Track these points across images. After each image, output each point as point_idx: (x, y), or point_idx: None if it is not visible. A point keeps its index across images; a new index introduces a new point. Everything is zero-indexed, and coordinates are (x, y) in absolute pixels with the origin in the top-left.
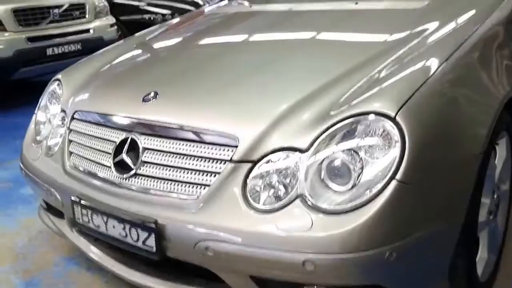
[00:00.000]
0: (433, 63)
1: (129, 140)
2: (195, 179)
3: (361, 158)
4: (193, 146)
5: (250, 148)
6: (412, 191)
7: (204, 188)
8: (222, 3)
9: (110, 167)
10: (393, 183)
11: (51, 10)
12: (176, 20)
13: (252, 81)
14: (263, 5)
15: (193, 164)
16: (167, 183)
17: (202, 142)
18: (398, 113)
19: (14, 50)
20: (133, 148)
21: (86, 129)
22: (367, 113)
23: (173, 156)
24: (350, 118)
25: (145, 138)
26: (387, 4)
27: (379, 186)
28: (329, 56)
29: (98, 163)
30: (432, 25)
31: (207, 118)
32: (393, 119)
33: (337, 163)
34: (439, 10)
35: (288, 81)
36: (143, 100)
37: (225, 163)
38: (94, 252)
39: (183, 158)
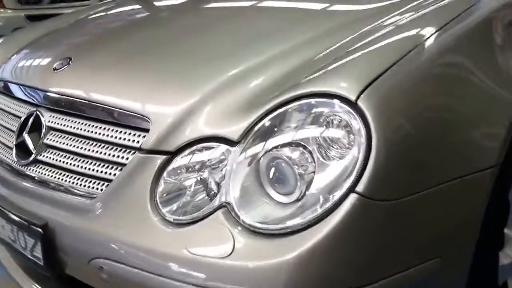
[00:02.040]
0: (419, 34)
1: (33, 116)
2: (98, 171)
3: (313, 158)
4: (101, 127)
5: (165, 135)
6: (381, 212)
7: (107, 184)
8: None
9: (12, 148)
10: (352, 197)
11: None
12: None
13: (180, 49)
14: None
15: (98, 152)
16: (68, 175)
17: (111, 122)
18: (361, 95)
19: (12, 29)
20: (39, 127)
21: None
22: (318, 94)
23: (77, 140)
24: (296, 100)
25: (50, 115)
26: None
27: (334, 199)
28: (282, 24)
29: (1, 143)
30: None
31: (118, 91)
32: (353, 104)
33: (279, 162)
34: None
35: (222, 51)
36: (54, 69)
37: (133, 152)
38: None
39: (88, 142)
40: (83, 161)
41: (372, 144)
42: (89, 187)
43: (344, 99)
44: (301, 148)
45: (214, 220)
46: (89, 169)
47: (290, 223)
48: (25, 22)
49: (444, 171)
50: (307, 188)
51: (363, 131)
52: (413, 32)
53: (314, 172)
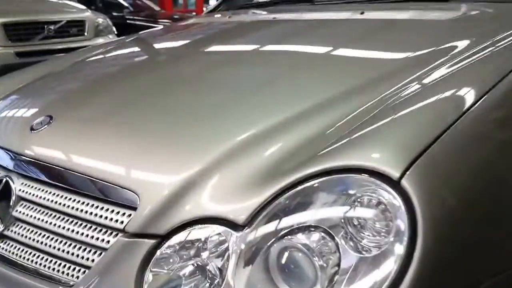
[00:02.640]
0: (466, 96)
1: (2, 183)
2: (73, 254)
3: (337, 246)
4: (79, 201)
5: (156, 214)
6: None
7: (84, 271)
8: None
9: None
10: None
11: (45, 26)
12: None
13: (178, 103)
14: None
15: (75, 231)
16: (39, 256)
17: (91, 196)
18: (406, 174)
19: (1, 65)
20: (8, 195)
21: None
22: (352, 168)
23: (51, 215)
24: (321, 176)
25: (22, 183)
26: (403, 15)
27: None
28: (304, 80)
29: None
30: (462, 43)
31: (101, 158)
32: (396, 184)
33: (293, 252)
34: (472, 24)
35: (228, 107)
36: (32, 128)
37: (115, 234)
38: None
39: (64, 219)
40: (57, 240)
41: (416, 235)
42: (63, 272)
43: (384, 177)
44: (323, 234)
45: None
46: (64, 250)
47: None
48: (14, 58)
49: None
50: (330, 284)
51: (405, 219)
52: (457, 89)
53: (338, 266)
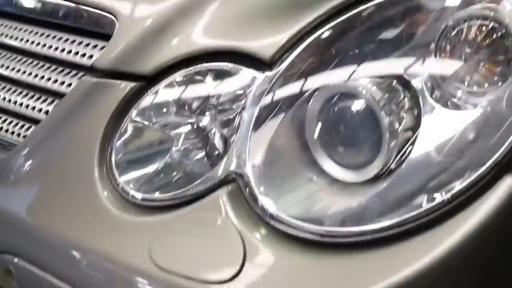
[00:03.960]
0: None
1: None
2: (21, 104)
3: (416, 98)
4: (31, 31)
5: (140, 45)
6: None
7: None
8: None
9: None
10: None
11: None
12: None
13: None
14: None
15: (24, 72)
16: None
17: (49, 23)
18: None
19: None
20: None
21: None
22: None
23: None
24: None
25: None
26: None
27: (467, 182)
28: None
29: None
30: None
31: None
32: None
33: (346, 104)
34: None
35: None
36: None
37: (82, 75)
38: None
39: (10, 56)
40: (4, 88)
41: None
42: (7, 130)
43: None
44: (394, 82)
45: (211, 206)
46: (6, 99)
47: (367, 226)
48: None
49: None
50: (402, 155)
51: None
52: None
53: (416, 128)
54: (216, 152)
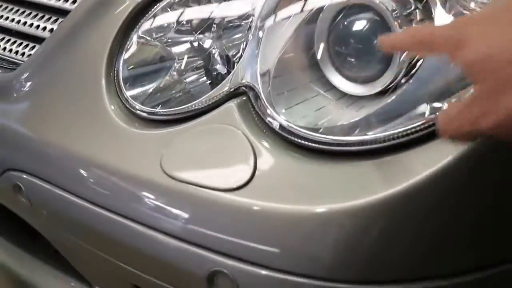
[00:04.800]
0: None
1: None
2: (25, 24)
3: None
4: None
5: None
6: None
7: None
8: None
9: None
10: None
11: None
12: None
13: None
14: None
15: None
16: None
17: None
18: None
19: None
20: None
21: None
22: None
23: None
24: None
25: None
26: None
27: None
28: None
29: None
30: None
31: None
32: None
33: (356, 18)
34: None
35: None
36: None
37: None
38: None
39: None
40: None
41: None
42: (10, 50)
43: None
44: None
45: (220, 118)
46: (9, 18)
47: (373, 136)
48: None
49: None
50: (412, 69)
51: None
52: None
53: None
54: (222, 66)
